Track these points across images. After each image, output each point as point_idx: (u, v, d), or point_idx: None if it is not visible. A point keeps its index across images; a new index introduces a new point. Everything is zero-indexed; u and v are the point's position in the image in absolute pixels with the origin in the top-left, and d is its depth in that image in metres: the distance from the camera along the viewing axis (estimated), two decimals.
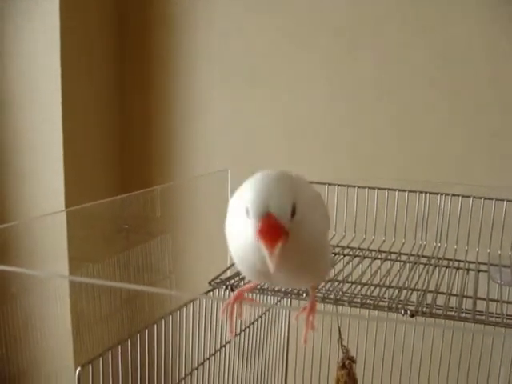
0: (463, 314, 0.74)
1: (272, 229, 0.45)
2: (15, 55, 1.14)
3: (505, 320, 0.72)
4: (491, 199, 0.95)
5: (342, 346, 1.00)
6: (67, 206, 1.11)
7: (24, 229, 0.97)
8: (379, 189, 0.99)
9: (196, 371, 0.83)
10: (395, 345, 1.04)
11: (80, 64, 1.18)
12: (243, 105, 1.26)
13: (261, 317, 1.01)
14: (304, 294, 0.78)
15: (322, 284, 0.83)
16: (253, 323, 0.99)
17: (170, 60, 1.29)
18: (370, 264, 0.90)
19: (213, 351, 0.87)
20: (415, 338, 1.02)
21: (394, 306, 0.76)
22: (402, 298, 0.78)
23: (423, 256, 0.94)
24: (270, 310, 1.04)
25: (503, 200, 0.94)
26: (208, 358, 0.86)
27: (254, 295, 0.98)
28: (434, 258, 0.93)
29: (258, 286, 0.61)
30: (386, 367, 1.05)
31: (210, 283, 0.66)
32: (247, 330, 0.97)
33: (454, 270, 0.90)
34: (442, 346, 1.00)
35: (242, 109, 1.26)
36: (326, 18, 1.17)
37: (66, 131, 1.14)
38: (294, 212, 0.47)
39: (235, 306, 0.58)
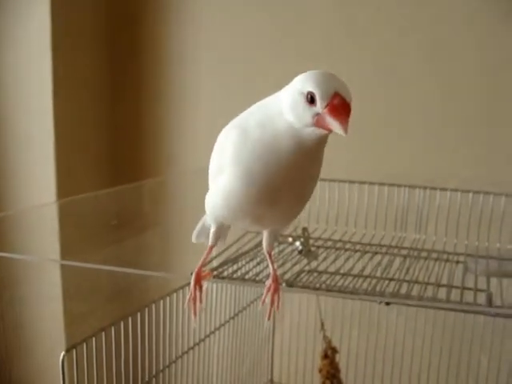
0: (437, 302, 0.77)
1: (345, 105, 0.47)
2: (5, 46, 1.16)
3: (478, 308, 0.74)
4: (468, 192, 0.98)
5: (324, 336, 1.03)
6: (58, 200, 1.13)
7: (12, 221, 0.99)
8: (360, 183, 1.02)
9: (180, 359, 0.86)
10: (378, 333, 1.07)
11: (71, 57, 1.19)
12: (233, 102, 1.28)
13: (245, 308, 1.04)
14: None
15: (302, 275, 0.86)
16: (237, 314, 1.01)
17: (161, 54, 1.30)
18: (351, 256, 0.93)
19: (197, 340, 0.90)
20: (397, 326, 1.05)
21: (370, 293, 0.78)
22: (379, 288, 0.81)
23: (402, 247, 0.97)
24: (255, 302, 1.07)
25: (480, 193, 0.97)
26: (192, 348, 0.89)
27: (237, 288, 1.01)
28: (412, 249, 0.96)
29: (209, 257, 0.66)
30: (368, 356, 1.08)
31: (192, 274, 0.69)
32: (231, 321, 1.00)
33: (432, 261, 0.92)
34: (424, 334, 1.03)
35: (231, 106, 1.28)
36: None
37: (58, 126, 1.16)
38: None
39: (196, 293, 0.62)
